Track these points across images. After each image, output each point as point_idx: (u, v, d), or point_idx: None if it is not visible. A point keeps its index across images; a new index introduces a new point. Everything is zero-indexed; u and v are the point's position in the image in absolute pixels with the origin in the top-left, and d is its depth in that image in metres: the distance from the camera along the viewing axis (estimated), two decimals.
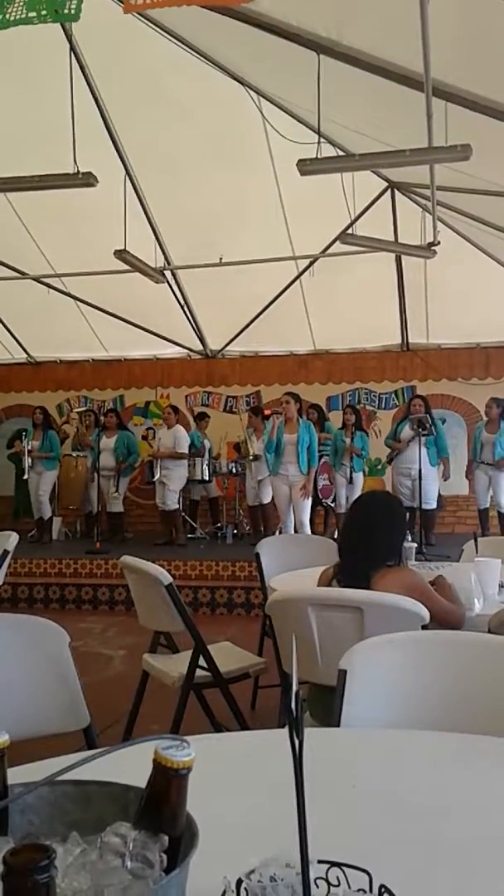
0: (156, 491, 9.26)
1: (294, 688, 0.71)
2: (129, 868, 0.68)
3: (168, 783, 0.71)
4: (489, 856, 1.01)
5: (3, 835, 0.72)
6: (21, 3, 2.98)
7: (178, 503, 9.30)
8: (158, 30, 6.08)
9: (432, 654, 1.71)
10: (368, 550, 2.60)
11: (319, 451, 8.38)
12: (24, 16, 3.00)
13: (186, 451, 9.15)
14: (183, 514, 9.48)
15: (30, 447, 9.50)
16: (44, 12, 2.98)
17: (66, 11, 2.90)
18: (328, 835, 0.82)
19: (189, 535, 9.54)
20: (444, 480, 8.87)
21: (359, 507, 2.84)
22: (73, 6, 2.85)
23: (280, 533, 8.28)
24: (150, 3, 2.82)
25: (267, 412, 9.35)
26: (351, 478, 8.97)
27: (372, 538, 2.62)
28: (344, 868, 0.80)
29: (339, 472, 9.05)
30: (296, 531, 7.90)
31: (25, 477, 9.49)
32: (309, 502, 8.06)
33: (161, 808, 0.71)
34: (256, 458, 9.14)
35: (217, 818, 0.84)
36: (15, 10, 2.99)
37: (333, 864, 0.80)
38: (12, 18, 3.01)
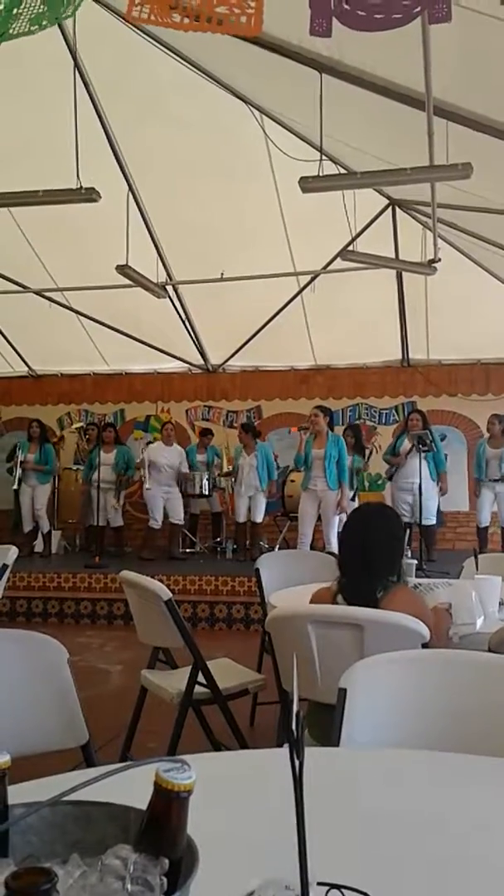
0: (150, 507, 9.23)
1: (295, 707, 0.71)
2: (130, 891, 0.68)
3: (169, 806, 0.71)
4: (490, 876, 1.01)
5: (3, 856, 0.72)
6: (26, 20, 3.01)
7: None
8: (161, 47, 6.13)
9: (433, 673, 1.71)
10: (369, 564, 2.58)
11: None
12: (26, 29, 3.03)
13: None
14: (183, 528, 9.48)
15: (23, 459, 9.50)
16: (45, 22, 3.01)
17: (64, 15, 2.94)
18: (327, 856, 0.82)
19: (188, 550, 9.53)
20: (442, 495, 8.85)
21: (354, 520, 2.82)
22: (72, 11, 2.87)
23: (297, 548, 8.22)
24: (154, 20, 2.84)
25: (294, 428, 9.31)
26: (355, 498, 8.97)
27: (369, 551, 2.59)
28: (343, 890, 0.80)
29: None
30: (323, 548, 7.70)
31: (15, 487, 9.48)
32: (337, 519, 7.90)
33: (161, 831, 0.71)
34: (229, 474, 9.15)
35: (216, 839, 0.84)
36: (20, 26, 3.02)
37: (333, 885, 0.80)
38: (14, 32, 3.04)
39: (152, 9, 2.86)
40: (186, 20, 2.83)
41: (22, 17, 3.03)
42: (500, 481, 8.62)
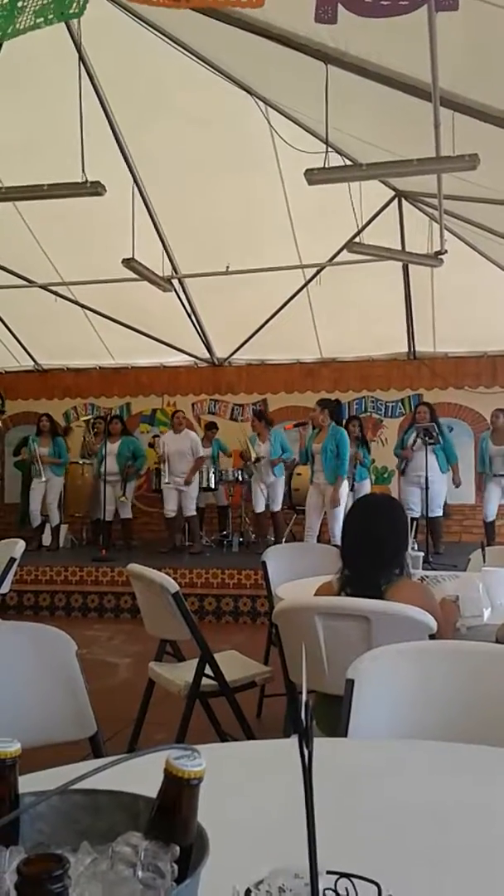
0: (165, 498, 9.13)
1: (303, 697, 0.71)
2: (141, 878, 0.68)
3: (179, 793, 0.71)
4: (497, 866, 1.01)
5: (14, 844, 0.72)
6: (31, 13, 3.00)
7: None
8: (167, 39, 6.11)
9: (440, 664, 1.71)
10: (372, 556, 2.56)
11: None
12: (32, 23, 3.02)
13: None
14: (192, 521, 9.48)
15: (40, 452, 9.52)
16: (51, 16, 3.00)
17: (71, 11, 2.93)
18: (336, 845, 0.82)
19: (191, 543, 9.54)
20: (457, 487, 8.81)
21: (356, 512, 2.80)
22: (79, 7, 2.87)
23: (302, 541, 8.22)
24: (161, 0, 2.83)
25: (288, 426, 9.31)
26: (353, 486, 8.97)
27: (373, 542, 2.57)
28: (353, 879, 0.80)
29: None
30: (329, 542, 7.59)
31: (43, 479, 9.48)
32: (338, 511, 7.77)
33: (172, 818, 0.72)
34: (258, 460, 9.14)
35: (226, 828, 0.84)
36: (25, 19, 3.02)
37: (342, 874, 0.80)
38: (21, 27, 3.04)
39: None
40: None
41: (27, 11, 3.02)
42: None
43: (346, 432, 8.09)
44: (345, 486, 7.94)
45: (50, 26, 3.03)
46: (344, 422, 9.29)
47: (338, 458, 7.80)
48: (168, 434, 9.37)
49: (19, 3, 3.02)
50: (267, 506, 9.21)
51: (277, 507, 9.20)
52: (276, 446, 9.02)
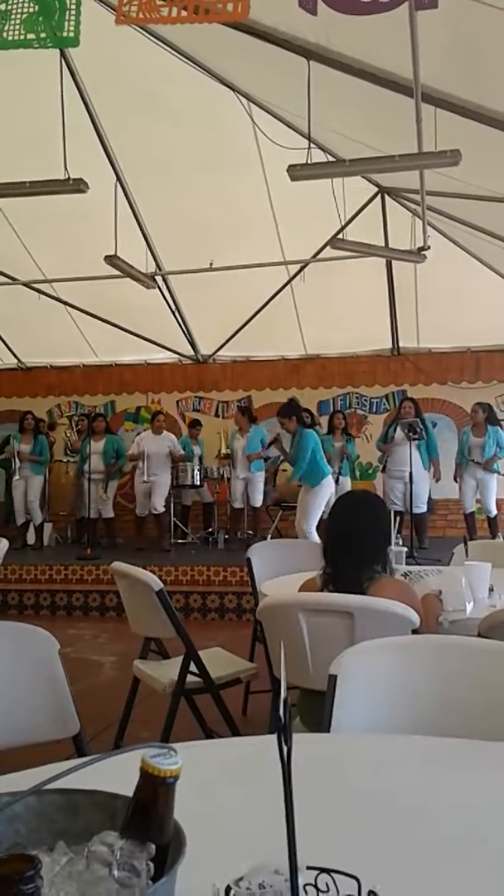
0: (138, 496, 9.30)
1: (283, 694, 0.71)
2: (117, 877, 0.67)
3: (155, 791, 0.71)
4: (479, 860, 1.01)
5: None
6: (18, 22, 2.98)
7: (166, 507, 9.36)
8: (149, 36, 6.08)
9: (422, 659, 1.71)
10: (354, 553, 2.55)
11: None
12: (23, 37, 3.01)
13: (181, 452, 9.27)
14: (175, 519, 9.47)
15: (19, 449, 9.48)
16: (43, 35, 2.99)
17: (65, 35, 2.91)
18: (317, 840, 0.82)
19: (180, 541, 9.53)
20: (436, 482, 8.88)
21: (338, 509, 2.79)
22: (72, 28, 2.86)
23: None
24: (143, 17, 2.83)
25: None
26: (338, 481, 8.99)
27: (355, 539, 2.57)
28: (333, 874, 0.80)
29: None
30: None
31: (17, 478, 9.45)
32: (309, 510, 7.41)
33: (148, 817, 0.71)
34: (227, 456, 9.14)
35: (206, 824, 0.84)
36: (12, 28, 3.00)
37: (322, 870, 0.80)
38: (10, 38, 3.02)
39: (140, 5, 2.84)
40: (175, 11, 2.82)
41: (13, 19, 3.00)
42: (480, 466, 8.67)
43: (309, 434, 7.41)
44: (315, 492, 7.33)
45: (44, 48, 3.02)
46: (329, 416, 9.34)
47: (299, 463, 7.30)
48: (147, 434, 9.47)
49: (2, 7, 3.00)
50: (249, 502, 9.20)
51: (257, 503, 9.19)
52: (254, 442, 9.00)
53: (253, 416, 9.47)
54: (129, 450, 9.52)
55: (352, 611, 2.36)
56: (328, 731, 1.57)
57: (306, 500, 7.40)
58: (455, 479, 9.02)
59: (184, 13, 2.69)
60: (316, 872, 0.80)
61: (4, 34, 2.85)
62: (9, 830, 0.78)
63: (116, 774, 0.79)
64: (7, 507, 10.09)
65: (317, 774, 1.21)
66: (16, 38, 2.87)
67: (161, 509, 9.23)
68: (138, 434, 9.98)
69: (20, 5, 2.87)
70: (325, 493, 7.35)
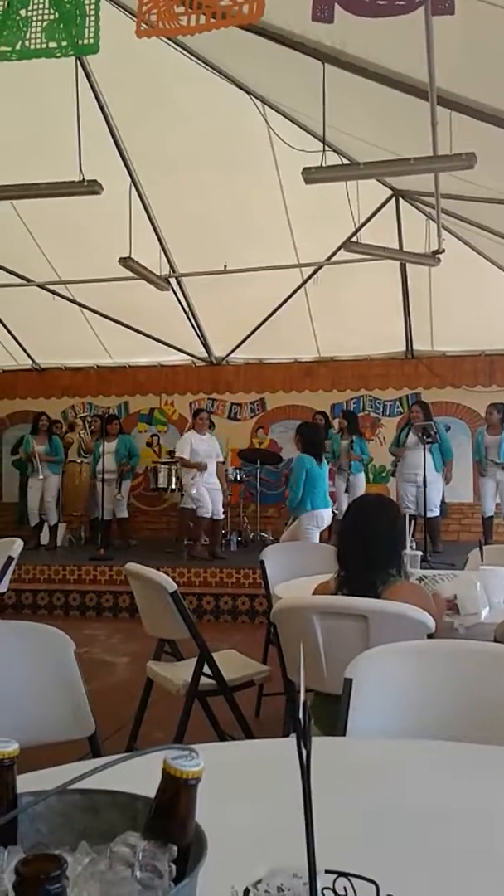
0: (202, 498, 8.56)
1: (301, 697, 0.71)
2: (139, 878, 0.68)
3: (177, 793, 0.71)
4: (496, 867, 1.01)
5: (12, 844, 0.72)
6: (38, 30, 3.00)
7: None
8: (163, 38, 6.10)
9: (438, 664, 1.71)
10: (368, 557, 2.55)
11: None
12: (44, 46, 3.03)
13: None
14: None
15: (37, 450, 9.54)
16: (64, 42, 3.01)
17: (85, 42, 2.93)
18: (335, 844, 0.82)
19: (191, 542, 9.51)
20: (447, 483, 8.86)
21: (352, 513, 2.78)
22: (92, 35, 2.87)
23: None
24: (163, 28, 2.84)
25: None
26: (348, 481, 8.99)
27: (369, 543, 2.57)
28: (351, 878, 0.80)
29: (339, 477, 9.04)
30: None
31: (41, 477, 9.48)
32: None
33: (170, 818, 0.72)
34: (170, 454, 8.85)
35: (224, 827, 0.84)
36: (34, 37, 3.02)
37: (341, 874, 0.80)
38: (32, 47, 3.04)
39: (160, 13, 2.86)
40: (193, 19, 2.83)
41: (34, 26, 3.02)
42: (500, 468, 8.65)
43: (305, 459, 6.80)
44: (315, 517, 6.85)
45: (66, 57, 3.03)
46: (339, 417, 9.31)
47: (294, 489, 6.79)
48: (191, 434, 8.77)
49: (22, 12, 3.02)
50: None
51: (218, 514, 8.74)
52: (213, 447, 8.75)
53: (210, 421, 9.12)
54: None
55: (366, 614, 2.36)
56: (344, 734, 1.57)
57: (294, 532, 6.94)
58: (481, 474, 8.95)
59: (202, 20, 2.70)
60: (334, 876, 0.80)
61: (26, 42, 2.86)
62: (30, 830, 0.78)
63: (132, 775, 0.80)
64: (20, 507, 10.15)
65: (333, 778, 1.22)
66: (37, 46, 2.88)
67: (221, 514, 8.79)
68: (153, 436, 9.87)
69: (41, 12, 2.89)
70: (310, 526, 6.84)
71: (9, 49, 2.92)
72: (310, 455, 6.87)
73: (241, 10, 2.84)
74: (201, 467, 8.50)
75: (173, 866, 0.70)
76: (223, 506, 9.67)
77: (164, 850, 0.70)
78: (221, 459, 8.97)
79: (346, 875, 0.80)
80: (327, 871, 0.79)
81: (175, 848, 0.71)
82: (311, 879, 0.69)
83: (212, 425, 10.02)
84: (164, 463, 9.75)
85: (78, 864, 0.69)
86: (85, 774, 0.68)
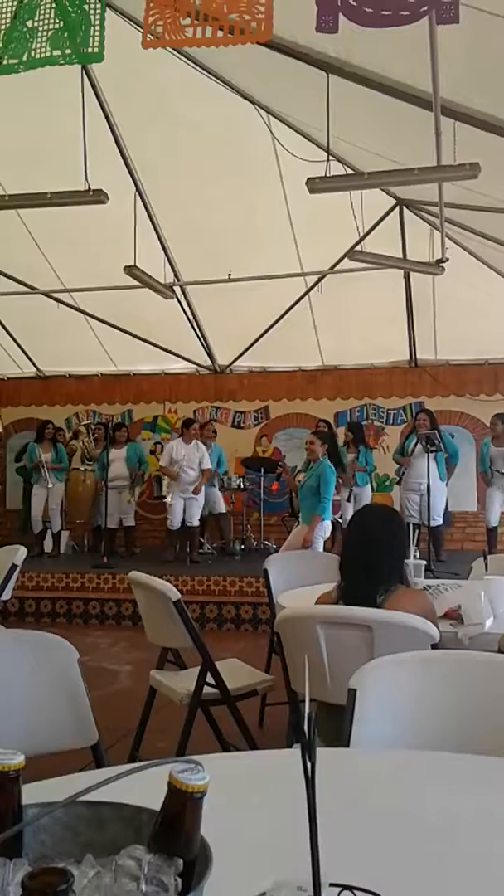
0: (173, 507, 8.78)
1: (307, 709, 0.71)
2: (144, 891, 0.68)
3: (183, 806, 0.71)
4: (501, 878, 1.01)
5: (17, 856, 0.72)
6: (44, 40, 3.02)
7: None
8: (169, 50, 6.13)
9: (443, 674, 1.71)
10: (370, 568, 2.54)
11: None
12: (48, 54, 3.05)
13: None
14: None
15: (44, 458, 9.56)
16: (68, 51, 3.02)
17: (90, 50, 2.94)
18: (339, 857, 0.82)
19: (199, 551, 9.52)
20: (445, 484, 8.83)
21: (355, 523, 2.78)
22: (97, 44, 2.89)
23: None
24: (169, 39, 2.85)
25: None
26: (351, 492, 8.99)
27: (371, 554, 2.56)
28: (356, 891, 0.80)
29: (344, 488, 9.03)
30: None
31: (50, 485, 9.49)
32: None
33: (175, 832, 0.72)
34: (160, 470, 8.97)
35: (228, 839, 0.84)
36: (39, 47, 3.04)
37: (345, 887, 0.80)
38: (38, 57, 3.06)
39: (166, 25, 2.87)
40: (199, 31, 2.84)
41: (40, 36, 3.04)
42: None
43: (333, 468, 6.62)
44: (323, 527, 6.52)
45: (69, 65, 3.05)
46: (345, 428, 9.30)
47: (317, 495, 6.46)
48: (177, 442, 8.97)
49: (28, 23, 3.04)
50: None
51: (194, 521, 8.87)
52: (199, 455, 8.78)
53: (191, 423, 9.15)
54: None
55: (370, 624, 2.35)
56: (347, 745, 1.57)
57: (298, 536, 6.65)
58: (487, 484, 8.92)
59: (208, 32, 2.71)
60: (339, 889, 0.80)
61: (32, 53, 2.88)
62: (34, 841, 0.78)
63: (137, 786, 0.79)
64: (24, 514, 10.15)
65: (337, 790, 1.21)
66: (42, 56, 2.90)
67: (196, 522, 8.98)
68: (156, 444, 9.90)
69: (46, 22, 2.91)
70: (318, 535, 6.54)
71: (16, 61, 2.94)
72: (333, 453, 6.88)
73: (248, 26, 2.85)
74: (171, 475, 8.76)
75: (179, 880, 0.69)
76: (225, 512, 9.77)
77: (169, 864, 0.70)
78: (208, 467, 8.93)
79: (350, 888, 0.80)
80: (332, 885, 0.78)
81: (181, 861, 0.70)
82: (316, 892, 0.69)
83: (214, 435, 10.01)
84: None
85: (83, 877, 0.69)
86: (94, 787, 0.68)
